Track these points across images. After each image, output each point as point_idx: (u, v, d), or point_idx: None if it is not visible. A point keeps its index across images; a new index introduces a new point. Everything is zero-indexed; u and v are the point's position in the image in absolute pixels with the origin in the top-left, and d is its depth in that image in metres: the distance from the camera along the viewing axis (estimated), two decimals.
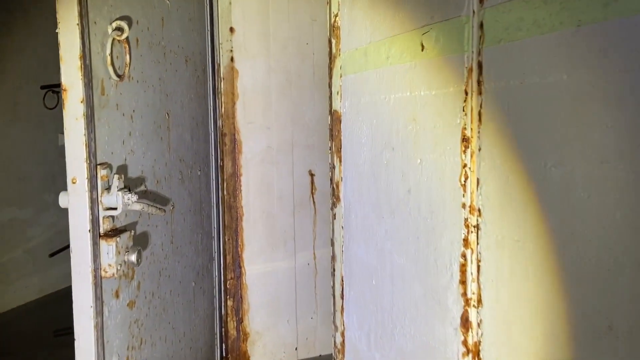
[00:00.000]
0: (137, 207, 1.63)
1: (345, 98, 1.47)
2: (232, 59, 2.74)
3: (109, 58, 1.60)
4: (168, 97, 2.13)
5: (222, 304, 2.83)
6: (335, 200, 1.59)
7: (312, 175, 2.94)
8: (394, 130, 1.26)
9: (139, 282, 1.83)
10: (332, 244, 1.64)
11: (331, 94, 1.59)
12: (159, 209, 1.78)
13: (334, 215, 1.60)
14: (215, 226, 2.75)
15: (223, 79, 2.73)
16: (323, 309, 3.02)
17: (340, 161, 1.53)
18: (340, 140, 1.52)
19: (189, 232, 2.37)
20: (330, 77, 1.60)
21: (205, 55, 2.65)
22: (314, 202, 2.96)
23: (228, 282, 2.81)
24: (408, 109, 1.22)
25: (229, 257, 2.80)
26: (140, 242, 1.86)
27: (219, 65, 2.73)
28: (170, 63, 2.16)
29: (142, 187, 1.87)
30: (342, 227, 1.52)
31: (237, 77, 2.75)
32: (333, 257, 1.62)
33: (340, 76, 1.50)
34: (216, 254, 2.76)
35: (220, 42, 2.72)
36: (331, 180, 1.65)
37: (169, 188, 2.12)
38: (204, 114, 2.60)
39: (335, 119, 1.56)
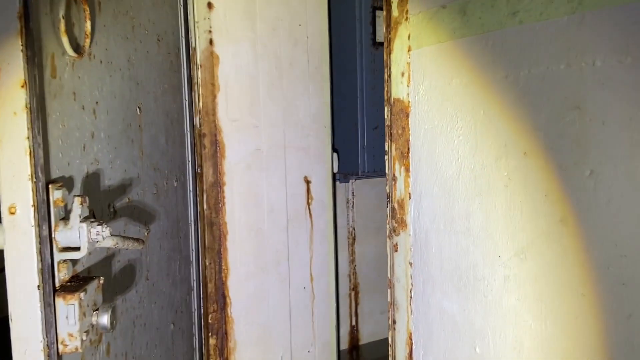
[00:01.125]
0: (110, 242, 1.11)
1: (418, 81, 1.03)
2: (211, 42, 2.22)
3: (62, 23, 1.07)
4: (139, 86, 1.60)
5: (203, 343, 2.31)
6: (397, 225, 1.13)
7: (308, 182, 2.47)
8: (527, 126, 0.83)
9: (109, 343, 1.31)
10: (391, 286, 1.19)
11: (389, 76, 1.14)
12: (137, 240, 1.26)
13: (395, 246, 1.15)
14: (194, 248, 2.23)
15: (200, 66, 2.21)
16: (322, 340, 2.56)
17: (407, 170, 1.07)
18: (408, 140, 1.07)
19: (166, 262, 1.85)
20: (389, 52, 1.14)
21: (179, 36, 2.12)
22: (310, 214, 2.48)
23: (210, 316, 2.29)
24: (563, 91, 0.79)
25: (210, 285, 2.28)
26: (109, 287, 1.33)
27: (195, 49, 2.20)
28: (140, 41, 1.63)
29: (111, 210, 1.34)
30: (411, 263, 1.07)
31: (217, 64, 2.24)
32: (392, 304, 1.17)
33: (409, 50, 1.05)
34: (195, 282, 2.24)
35: (196, 20, 2.19)
36: (388, 197, 1.19)
37: (142, 207, 1.59)
38: (179, 110, 2.08)
39: (397, 111, 1.11)
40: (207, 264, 2.27)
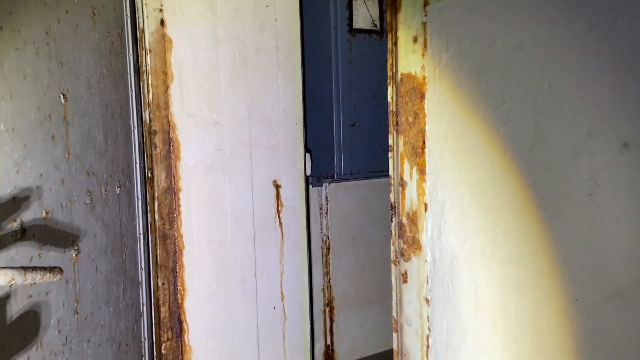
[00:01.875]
0: (3, 279, 0.78)
1: (440, 47, 0.73)
2: (162, 23, 1.88)
3: None
4: (64, 67, 1.26)
5: None
6: (406, 246, 0.82)
7: (277, 186, 2.16)
8: (629, 106, 0.55)
9: None
10: (398, 329, 0.88)
11: (395, 43, 0.83)
12: (50, 270, 0.92)
13: (404, 275, 0.85)
14: (144, 266, 1.88)
15: (149, 51, 1.87)
16: None
17: (421, 172, 0.78)
18: (423, 131, 0.77)
19: (105, 287, 1.50)
20: (395, 10, 0.84)
21: (122, 13, 1.77)
22: (280, 222, 2.17)
23: (163, 345, 1.94)
24: None
25: (164, 309, 1.94)
26: (16, 330, 0.99)
27: (143, 30, 1.86)
28: (66, 11, 1.29)
29: (15, 226, 1.00)
30: (428, 300, 0.78)
31: (170, 48, 1.90)
32: (399, 354, 0.87)
33: (425, 4, 0.76)
34: (145, 306, 1.89)
35: None
36: (393, 208, 0.89)
37: (69, 221, 1.25)
38: (123, 102, 1.73)
39: (406, 91, 0.81)
40: (160, 284, 1.92)
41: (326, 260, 2.67)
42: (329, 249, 2.67)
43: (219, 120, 2.01)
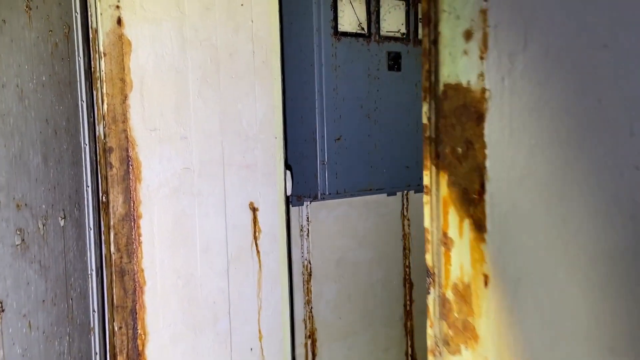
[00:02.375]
0: None
1: (512, 46, 0.49)
2: (119, 22, 1.60)
3: None
4: None
5: None
6: (453, 332, 0.56)
7: (254, 209, 1.89)
8: None
9: None
10: None
11: (434, 42, 0.59)
12: None
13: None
14: (97, 308, 1.59)
15: (104, 54, 1.58)
16: None
17: (478, 229, 0.52)
18: (482, 168, 0.52)
19: (43, 345, 1.21)
20: None
21: (70, 9, 1.49)
22: (257, 251, 1.91)
23: None
24: None
25: (121, 358, 1.65)
26: None
27: (96, 30, 1.58)
28: None
29: None
30: None
31: (128, 52, 1.62)
32: None
33: None
34: (98, 356, 1.60)
35: None
36: (431, 274, 0.63)
37: None
38: (70, 114, 1.44)
39: (452, 110, 0.55)
40: (116, 328, 1.63)
41: (307, 288, 2.41)
42: (310, 275, 2.42)
43: (187, 135, 1.73)
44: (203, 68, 1.75)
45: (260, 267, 1.90)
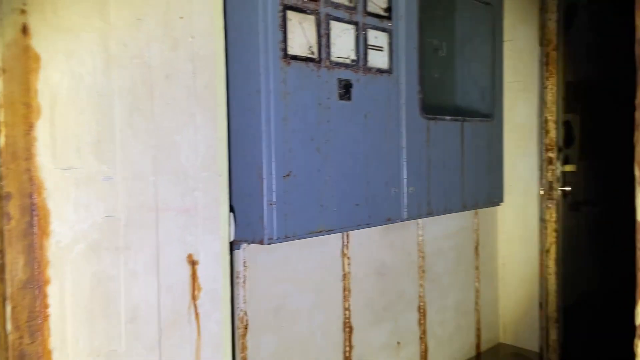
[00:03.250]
0: None
1: None
2: (24, 30, 1.22)
3: None
4: None
5: None
6: None
7: (193, 263, 1.57)
8: None
9: None
10: None
11: None
12: None
13: None
14: None
15: (3, 71, 1.19)
16: None
17: None
18: None
19: None
20: None
21: None
22: (196, 313, 1.58)
23: None
24: None
25: None
26: None
27: None
28: None
29: None
30: None
31: (36, 68, 1.24)
32: None
33: None
34: None
35: None
36: None
37: None
38: None
39: None
40: None
41: (243, 343, 2.10)
42: (246, 328, 2.11)
43: (112, 175, 1.38)
44: (133, 92, 1.41)
45: (199, 333, 1.57)
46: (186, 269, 1.54)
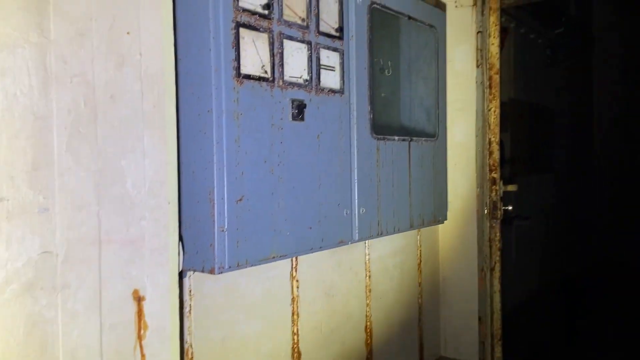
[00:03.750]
0: None
1: None
2: None
3: None
4: None
5: None
6: None
7: (139, 299, 1.44)
8: None
9: None
10: None
11: None
12: None
13: None
14: None
15: None
16: None
17: None
18: None
19: None
20: None
21: None
22: (142, 354, 1.45)
23: None
24: None
25: None
26: None
27: None
28: None
29: None
30: None
31: None
32: None
33: None
34: None
35: None
36: None
37: None
38: None
39: None
40: None
41: None
42: None
43: (49, 206, 1.24)
44: (74, 113, 1.28)
45: None
46: (131, 306, 1.41)
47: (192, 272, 1.92)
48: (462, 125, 3.31)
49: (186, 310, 1.94)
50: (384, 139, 2.37)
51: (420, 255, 3.26)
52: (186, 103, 1.69)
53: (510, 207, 2.41)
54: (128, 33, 1.39)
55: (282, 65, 1.86)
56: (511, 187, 2.43)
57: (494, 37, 2.33)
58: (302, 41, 1.94)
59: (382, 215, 2.36)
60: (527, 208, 3.83)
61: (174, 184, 1.52)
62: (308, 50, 1.97)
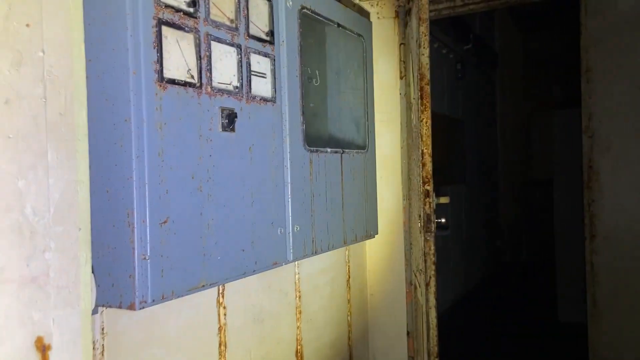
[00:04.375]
0: None
1: None
2: None
3: None
4: None
5: None
6: None
7: (44, 349, 1.17)
8: None
9: None
10: None
11: None
12: None
13: None
14: None
15: None
16: None
17: None
18: None
19: None
20: None
21: None
22: None
23: None
24: None
25: None
26: None
27: None
28: None
29: None
30: None
31: None
32: None
33: None
34: None
35: None
36: None
37: None
38: None
39: None
40: None
41: None
42: None
43: None
44: None
45: None
46: (35, 358, 1.14)
47: (105, 308, 1.65)
48: (387, 137, 3.28)
49: (98, 351, 1.67)
50: (316, 151, 2.24)
51: (349, 272, 3.16)
52: (99, 111, 1.44)
53: (443, 220, 2.37)
54: (27, 25, 1.14)
55: (210, 70, 1.67)
56: (443, 200, 2.40)
57: (424, 48, 2.29)
58: (232, 44, 1.76)
59: (316, 233, 2.22)
60: (449, 216, 3.89)
61: (85, 207, 1.27)
62: (238, 54, 1.79)
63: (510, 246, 6.73)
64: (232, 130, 1.75)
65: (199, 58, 1.63)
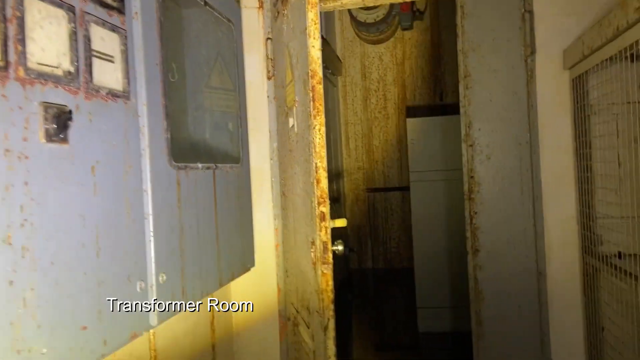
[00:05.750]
0: None
1: None
2: None
3: None
4: None
5: None
6: None
7: None
8: None
9: None
10: None
11: None
12: None
13: None
14: None
15: None
16: None
17: None
18: None
19: None
20: None
21: None
22: None
23: None
24: None
25: None
26: None
27: None
28: None
29: None
30: None
31: None
32: None
33: None
34: None
35: None
36: None
37: None
38: None
39: None
40: None
41: None
42: None
43: None
44: None
45: None
46: None
47: None
48: (255, 148, 2.78)
49: None
50: (185, 167, 1.65)
51: (213, 312, 2.58)
52: None
53: (340, 247, 1.96)
54: None
55: (23, 42, 1.01)
56: (339, 223, 1.99)
57: (314, 39, 1.85)
58: (60, 4, 1.11)
59: (187, 279, 1.63)
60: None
61: None
62: (71, 21, 1.14)
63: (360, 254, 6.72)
64: (64, 140, 1.10)
65: (4, 20, 0.96)
